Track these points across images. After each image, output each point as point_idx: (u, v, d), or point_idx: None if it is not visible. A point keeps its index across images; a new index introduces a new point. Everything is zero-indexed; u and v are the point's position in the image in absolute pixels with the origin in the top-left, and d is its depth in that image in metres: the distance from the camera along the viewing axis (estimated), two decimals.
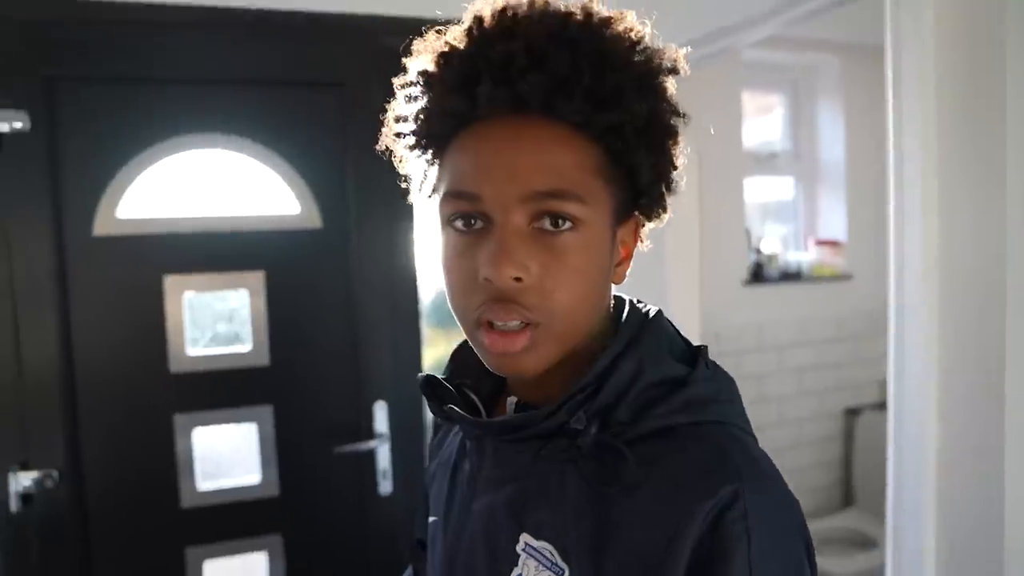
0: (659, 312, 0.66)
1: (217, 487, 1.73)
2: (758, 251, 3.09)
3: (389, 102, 0.66)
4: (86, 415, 1.64)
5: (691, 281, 2.31)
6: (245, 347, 1.75)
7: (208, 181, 1.72)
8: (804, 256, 3.22)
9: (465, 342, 0.73)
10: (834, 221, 3.25)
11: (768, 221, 3.40)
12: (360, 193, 1.80)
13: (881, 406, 3.11)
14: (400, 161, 0.67)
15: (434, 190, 0.66)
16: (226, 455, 1.77)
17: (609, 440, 0.57)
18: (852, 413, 3.09)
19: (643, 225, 0.67)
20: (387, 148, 0.67)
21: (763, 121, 3.33)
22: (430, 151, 0.64)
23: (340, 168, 1.79)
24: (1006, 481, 1.15)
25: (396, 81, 0.64)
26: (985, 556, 1.18)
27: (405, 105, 0.64)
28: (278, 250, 1.76)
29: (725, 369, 0.65)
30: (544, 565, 0.59)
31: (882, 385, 3.20)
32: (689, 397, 0.59)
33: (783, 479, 0.57)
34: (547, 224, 0.57)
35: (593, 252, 0.59)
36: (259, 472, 1.75)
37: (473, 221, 0.59)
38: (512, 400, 0.67)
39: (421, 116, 0.62)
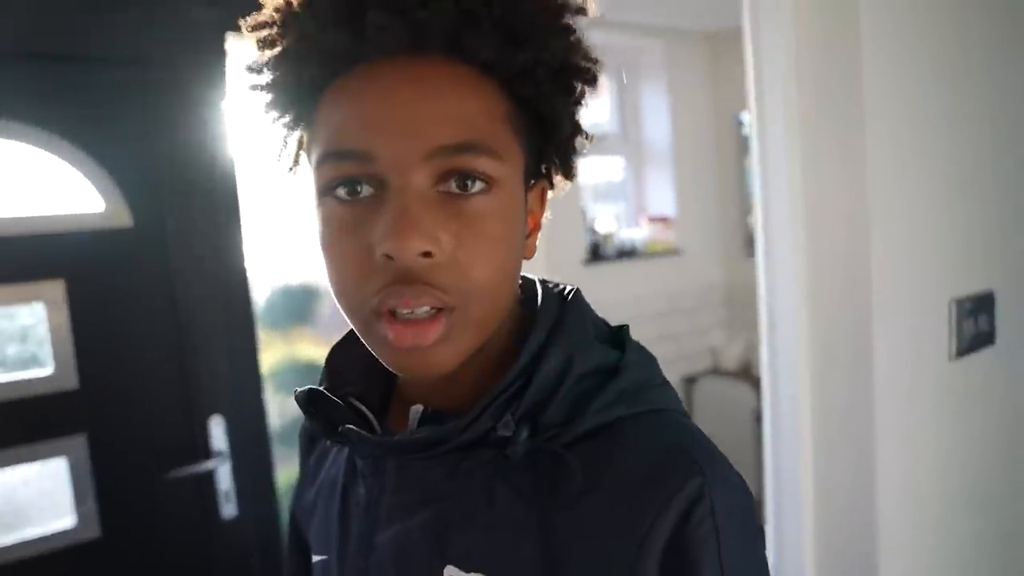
0: (577, 291, 0.58)
1: (17, 539, 1.46)
2: (593, 231, 3.17)
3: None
4: None
5: (539, 264, 2.30)
6: (45, 370, 1.48)
7: None
8: (637, 233, 3.35)
9: (341, 343, 0.62)
10: (662, 199, 3.40)
11: (600, 201, 3.50)
12: (176, 184, 1.59)
13: (714, 371, 3.32)
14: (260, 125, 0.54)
15: (295, 162, 0.55)
16: (28, 500, 1.50)
17: (545, 446, 0.49)
18: (690, 381, 3.27)
19: (548, 192, 0.59)
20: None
21: (593, 103, 3.40)
22: (292, 109, 0.52)
23: (150, 157, 1.56)
24: (877, 454, 1.22)
25: (246, 21, 0.51)
26: (859, 534, 1.26)
27: (260, 53, 0.51)
28: (80, 254, 1.50)
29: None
30: None
31: (714, 352, 3.42)
32: (624, 386, 0.52)
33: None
34: (454, 186, 0.47)
35: (509, 218, 0.50)
36: (73, 514, 1.51)
37: (359, 188, 0.47)
38: (417, 408, 0.56)
39: (284, 61, 0.50)
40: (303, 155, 0.56)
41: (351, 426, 0.53)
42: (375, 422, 0.57)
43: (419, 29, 0.46)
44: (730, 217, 3.49)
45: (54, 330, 1.48)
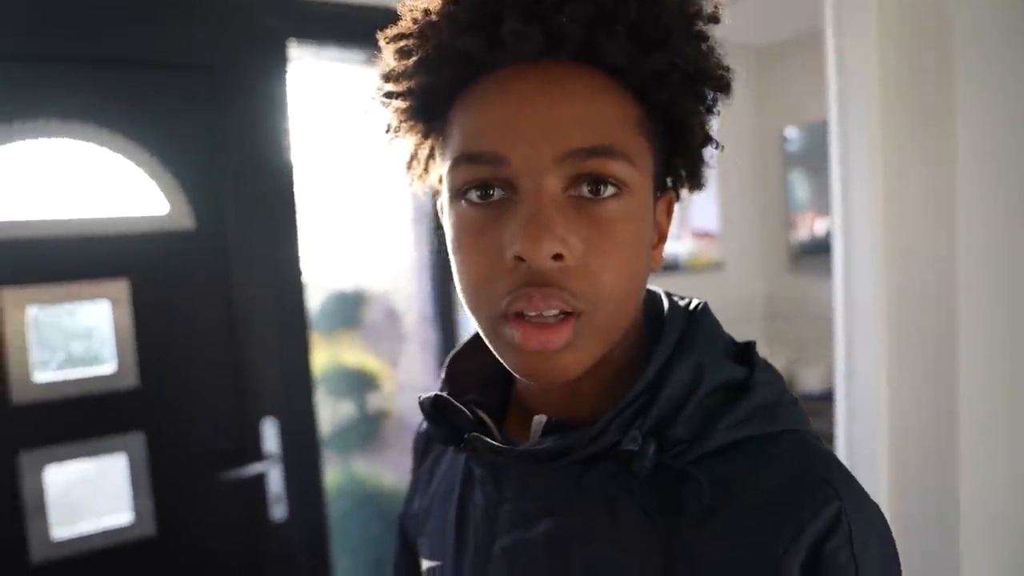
0: (705, 304, 0.57)
1: (77, 533, 1.48)
2: None
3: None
4: None
5: None
6: (108, 368, 1.51)
7: (55, 178, 1.47)
8: (680, 247, 3.32)
9: (461, 352, 0.62)
10: (705, 213, 3.37)
11: None
12: (237, 188, 1.61)
13: None
14: (392, 133, 0.55)
15: (426, 170, 0.56)
16: (89, 494, 1.53)
17: (673, 462, 0.48)
18: None
19: (675, 203, 0.58)
20: (372, 119, 0.55)
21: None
22: (426, 117, 0.53)
23: (213, 161, 1.59)
24: (960, 476, 1.16)
25: (384, 33, 0.52)
26: (940, 554, 1.20)
27: (397, 61, 0.52)
28: (144, 255, 1.53)
29: None
30: None
31: None
32: (755, 404, 0.50)
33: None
34: (585, 191, 0.47)
35: (640, 225, 0.50)
36: (131, 510, 1.52)
37: (491, 191, 0.48)
38: (541, 419, 0.54)
39: (421, 68, 0.50)
40: (432, 164, 0.57)
41: (477, 434, 0.52)
42: (495, 431, 0.57)
43: (555, 35, 0.46)
44: (773, 232, 3.44)
45: (118, 329, 1.51)
